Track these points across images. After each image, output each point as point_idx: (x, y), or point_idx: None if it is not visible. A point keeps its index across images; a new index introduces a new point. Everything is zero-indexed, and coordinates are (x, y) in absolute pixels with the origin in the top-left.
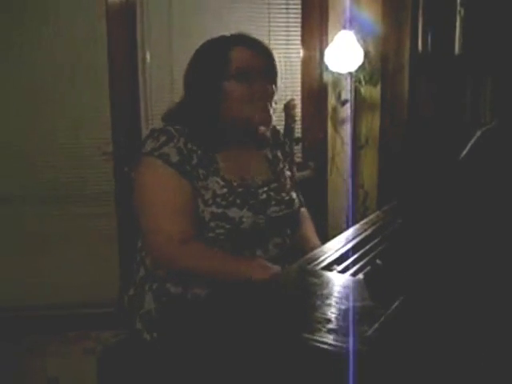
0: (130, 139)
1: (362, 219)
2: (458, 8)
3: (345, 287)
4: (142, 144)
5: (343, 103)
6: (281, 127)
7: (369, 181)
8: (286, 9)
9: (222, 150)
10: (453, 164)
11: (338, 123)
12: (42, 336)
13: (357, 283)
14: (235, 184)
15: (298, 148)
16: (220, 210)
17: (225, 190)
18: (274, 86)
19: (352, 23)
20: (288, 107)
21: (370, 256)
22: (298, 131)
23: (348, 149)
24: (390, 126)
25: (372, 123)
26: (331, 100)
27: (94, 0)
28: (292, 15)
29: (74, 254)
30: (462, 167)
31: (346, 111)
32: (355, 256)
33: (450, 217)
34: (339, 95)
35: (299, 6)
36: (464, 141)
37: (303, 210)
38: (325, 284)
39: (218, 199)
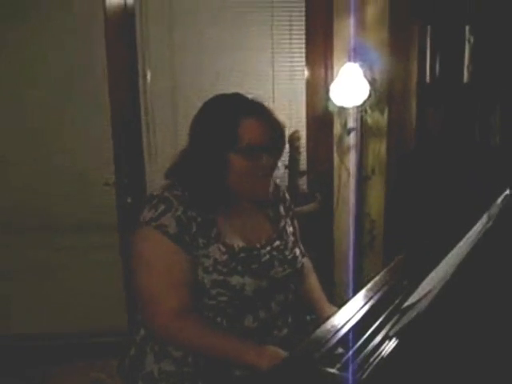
0: (132, 169)
1: (369, 249)
2: (468, 36)
3: None
4: (140, 210)
5: (349, 132)
6: (285, 159)
7: (375, 209)
8: (290, 39)
9: (223, 212)
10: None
11: (343, 153)
12: (47, 365)
13: None
14: (237, 249)
15: (303, 180)
16: (221, 278)
17: (226, 256)
18: (277, 159)
19: (358, 53)
20: (293, 139)
21: (376, 342)
22: (302, 161)
23: (354, 179)
24: (397, 155)
25: (379, 151)
26: (337, 129)
27: (91, 20)
28: (296, 45)
29: (79, 283)
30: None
31: (352, 140)
32: (359, 342)
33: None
34: (345, 124)
35: (303, 36)
36: (472, 167)
37: (305, 259)
38: None
39: (219, 266)
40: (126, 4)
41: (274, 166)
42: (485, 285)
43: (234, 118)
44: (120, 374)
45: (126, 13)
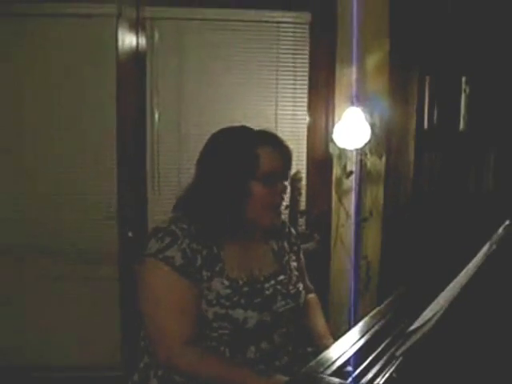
0: (136, 202)
1: (364, 290)
2: (464, 87)
3: None
4: (145, 242)
5: (348, 175)
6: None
7: (372, 252)
8: (294, 83)
9: (228, 245)
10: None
11: (342, 195)
12: None
13: None
14: (241, 283)
15: (302, 220)
16: (223, 311)
17: (229, 290)
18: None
19: (359, 98)
20: (294, 179)
21: (383, 362)
22: (302, 202)
23: (352, 221)
24: (393, 198)
25: (377, 195)
26: (336, 171)
27: (103, 62)
28: (299, 90)
29: (74, 315)
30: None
31: (351, 183)
32: (367, 361)
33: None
34: (344, 167)
35: (306, 81)
36: (467, 212)
37: (312, 296)
38: None
39: (222, 300)
40: (137, 48)
41: (285, 191)
42: (489, 306)
43: (253, 148)
44: None
45: (138, 56)
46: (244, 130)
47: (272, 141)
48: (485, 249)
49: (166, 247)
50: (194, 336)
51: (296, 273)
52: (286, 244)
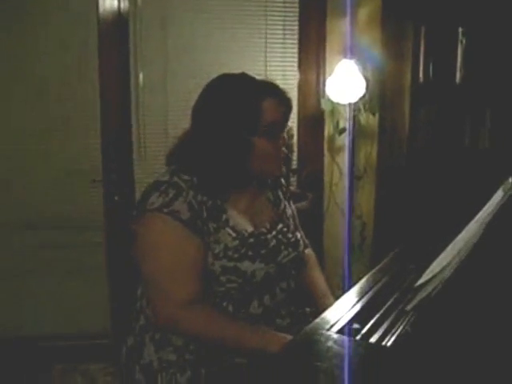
0: (121, 166)
1: (359, 250)
2: (460, 38)
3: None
4: (145, 197)
5: (341, 132)
6: None
7: (366, 211)
8: (283, 37)
9: (230, 197)
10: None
11: (335, 152)
12: (28, 369)
13: (381, 352)
14: (246, 234)
15: (294, 179)
16: (232, 264)
17: (236, 241)
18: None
19: (352, 51)
20: (287, 136)
21: (392, 318)
22: (293, 161)
23: (345, 179)
24: (388, 155)
25: (370, 152)
26: (329, 128)
27: (85, 22)
28: (289, 44)
29: (61, 283)
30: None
31: (344, 140)
32: (375, 317)
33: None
34: (337, 124)
35: (296, 35)
36: (462, 167)
37: (308, 251)
38: (346, 354)
39: (230, 252)
40: (119, 8)
41: (285, 142)
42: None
43: (257, 101)
44: (117, 364)
45: (120, 16)
46: (245, 79)
47: (275, 92)
48: (497, 197)
49: (170, 201)
50: (200, 294)
51: (292, 221)
52: (280, 193)
